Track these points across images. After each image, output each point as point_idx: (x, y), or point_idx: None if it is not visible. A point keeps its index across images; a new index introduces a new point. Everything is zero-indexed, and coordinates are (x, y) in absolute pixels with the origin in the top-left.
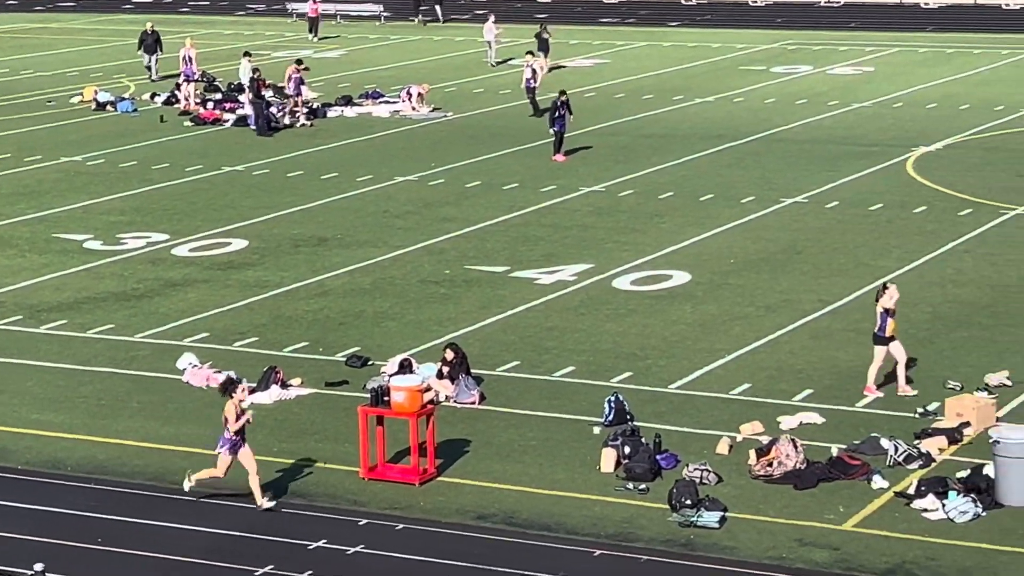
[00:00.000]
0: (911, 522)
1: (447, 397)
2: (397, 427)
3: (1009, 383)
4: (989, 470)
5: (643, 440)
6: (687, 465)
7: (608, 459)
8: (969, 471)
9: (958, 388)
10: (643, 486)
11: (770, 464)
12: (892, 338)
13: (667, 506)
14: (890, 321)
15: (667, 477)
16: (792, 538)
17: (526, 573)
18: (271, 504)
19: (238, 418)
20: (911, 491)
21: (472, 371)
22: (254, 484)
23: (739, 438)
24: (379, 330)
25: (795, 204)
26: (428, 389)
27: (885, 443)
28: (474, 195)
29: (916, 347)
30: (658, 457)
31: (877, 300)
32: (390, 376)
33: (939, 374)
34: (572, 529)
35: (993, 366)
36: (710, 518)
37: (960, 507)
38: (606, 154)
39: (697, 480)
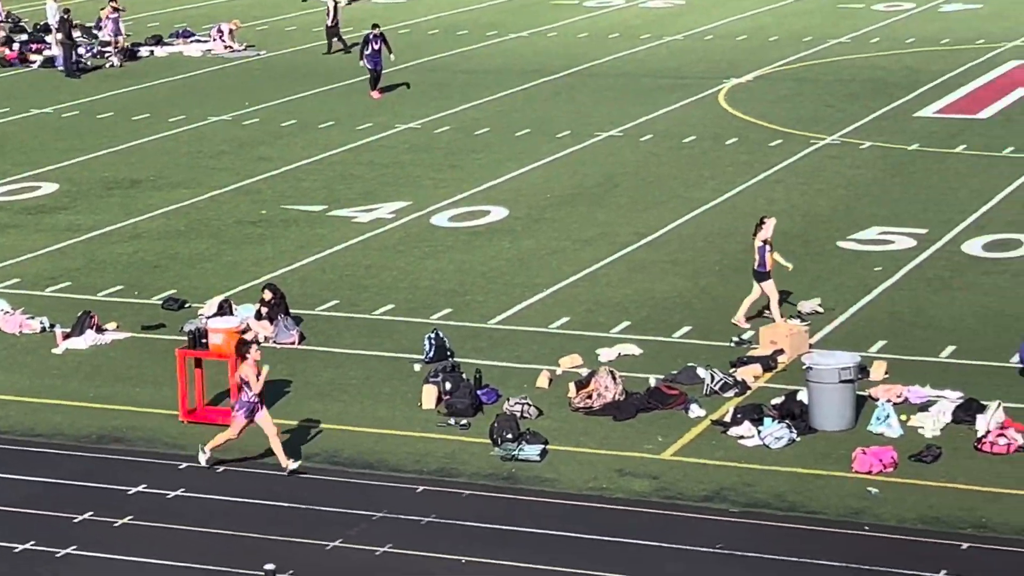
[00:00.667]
0: (728, 449)
1: (266, 338)
2: (216, 369)
3: (821, 310)
4: (803, 396)
5: (463, 376)
6: (508, 399)
7: (429, 396)
8: (783, 398)
9: (772, 317)
10: (464, 421)
11: (589, 396)
12: (770, 273)
13: (488, 441)
14: (769, 255)
15: (488, 412)
16: (612, 469)
17: (349, 511)
18: (296, 466)
19: (258, 379)
20: (727, 419)
21: (291, 311)
22: (276, 447)
23: (559, 371)
24: (195, 272)
25: (610, 138)
26: (247, 330)
27: (701, 372)
28: (289, 134)
29: (730, 276)
30: (479, 392)
31: (755, 234)
32: (208, 318)
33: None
34: (395, 466)
35: (805, 294)
36: (531, 451)
37: (775, 433)
38: (422, 91)
39: (518, 414)
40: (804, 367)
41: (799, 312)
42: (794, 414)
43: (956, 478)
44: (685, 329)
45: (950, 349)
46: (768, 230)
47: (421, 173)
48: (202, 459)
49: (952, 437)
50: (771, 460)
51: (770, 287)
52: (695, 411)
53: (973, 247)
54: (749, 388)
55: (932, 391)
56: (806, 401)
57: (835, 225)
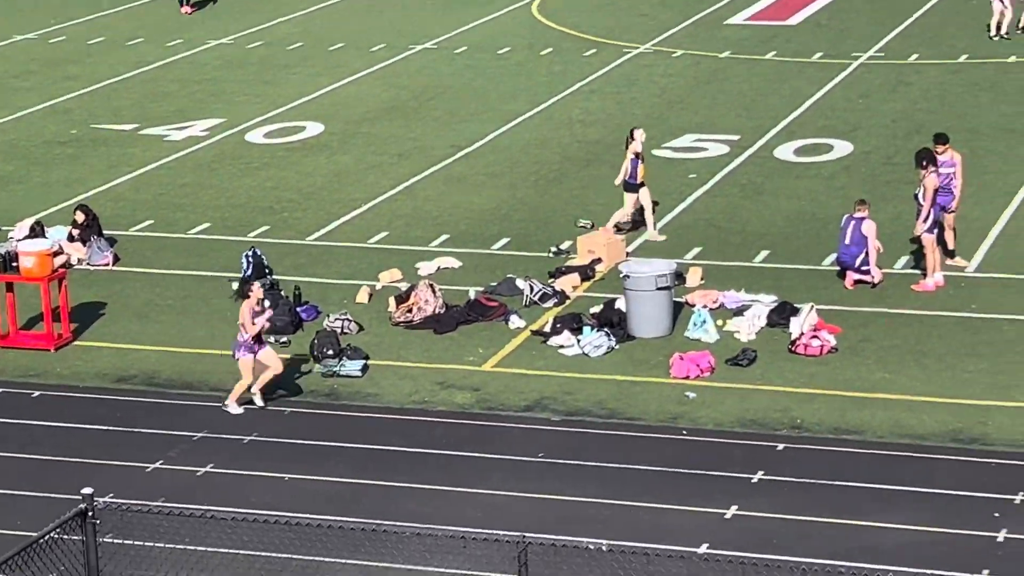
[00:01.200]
0: (548, 359)
1: (79, 260)
2: (28, 293)
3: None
4: (620, 304)
5: (283, 293)
6: (328, 316)
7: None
8: (601, 306)
9: (589, 226)
10: (284, 339)
11: (410, 310)
12: (643, 184)
13: (309, 357)
14: (641, 166)
15: (308, 329)
16: (434, 382)
17: (170, 432)
18: (237, 411)
19: (255, 321)
20: (547, 329)
21: (104, 232)
22: (259, 383)
23: (378, 286)
24: (4, 194)
25: (425, 51)
26: (59, 252)
27: (520, 283)
28: (98, 52)
29: (547, 187)
30: (298, 309)
31: (627, 147)
32: (18, 241)
33: (570, 213)
34: (215, 386)
35: (621, 203)
36: (352, 367)
37: (594, 342)
38: (232, 4)
39: (338, 330)
40: (621, 275)
41: (615, 223)
42: (612, 322)
43: (771, 380)
44: (503, 241)
45: (764, 254)
46: (638, 142)
47: (235, 89)
48: (233, 410)
49: (767, 340)
50: (591, 368)
51: (645, 196)
52: (515, 322)
53: (785, 152)
54: (568, 298)
55: (747, 296)
56: (624, 309)
57: (650, 133)
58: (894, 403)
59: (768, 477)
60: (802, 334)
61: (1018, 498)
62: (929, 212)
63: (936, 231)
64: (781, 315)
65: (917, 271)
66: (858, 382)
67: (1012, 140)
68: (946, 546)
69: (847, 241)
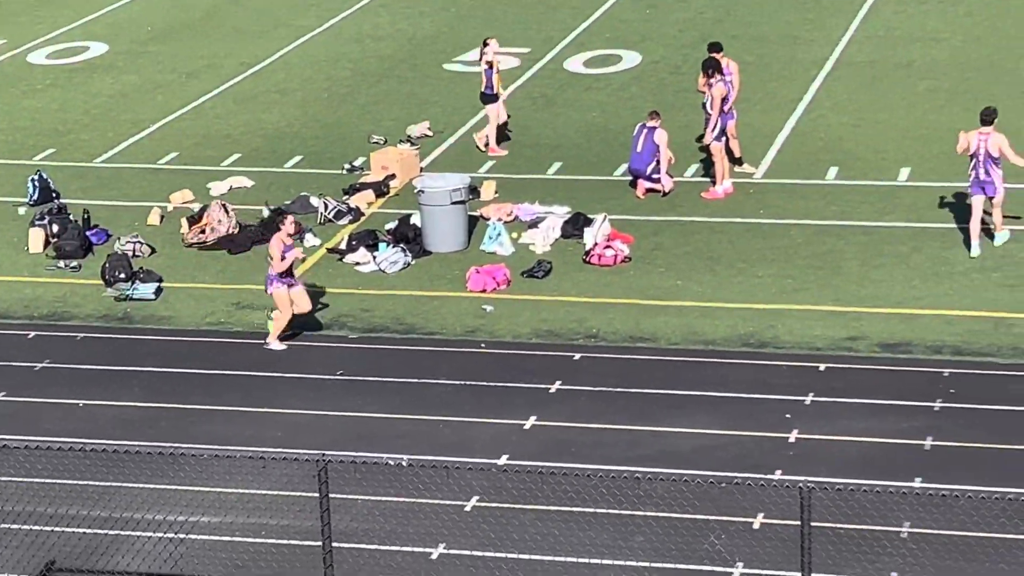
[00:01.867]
0: (345, 276)
1: None
2: None
3: (431, 133)
4: (416, 219)
5: (71, 217)
6: (119, 239)
7: (36, 239)
8: (397, 222)
9: (381, 142)
10: (75, 263)
11: (203, 231)
12: (499, 95)
13: (101, 282)
14: (496, 76)
15: (99, 252)
16: (229, 303)
17: None
18: (280, 348)
19: (283, 256)
20: (343, 246)
21: None
22: (279, 323)
23: (170, 208)
24: None
25: None
26: None
27: (315, 201)
28: None
29: (339, 104)
30: (88, 233)
31: (481, 58)
32: None
33: (363, 129)
34: (4, 313)
35: (414, 118)
36: (145, 290)
37: (390, 258)
38: None
39: (130, 253)
40: (416, 191)
41: (409, 136)
42: (408, 238)
43: (567, 291)
44: (296, 159)
45: (557, 166)
46: (491, 52)
47: (16, 9)
48: (276, 347)
49: (562, 251)
50: (388, 284)
51: (497, 110)
52: (310, 240)
53: (575, 64)
54: (363, 214)
55: (541, 207)
56: (419, 224)
57: (440, 48)
58: (686, 310)
59: (565, 387)
60: (596, 244)
61: (808, 399)
62: (717, 121)
63: (724, 139)
64: (575, 226)
65: (707, 179)
66: (651, 290)
67: (796, 47)
68: (740, 448)
69: (639, 150)
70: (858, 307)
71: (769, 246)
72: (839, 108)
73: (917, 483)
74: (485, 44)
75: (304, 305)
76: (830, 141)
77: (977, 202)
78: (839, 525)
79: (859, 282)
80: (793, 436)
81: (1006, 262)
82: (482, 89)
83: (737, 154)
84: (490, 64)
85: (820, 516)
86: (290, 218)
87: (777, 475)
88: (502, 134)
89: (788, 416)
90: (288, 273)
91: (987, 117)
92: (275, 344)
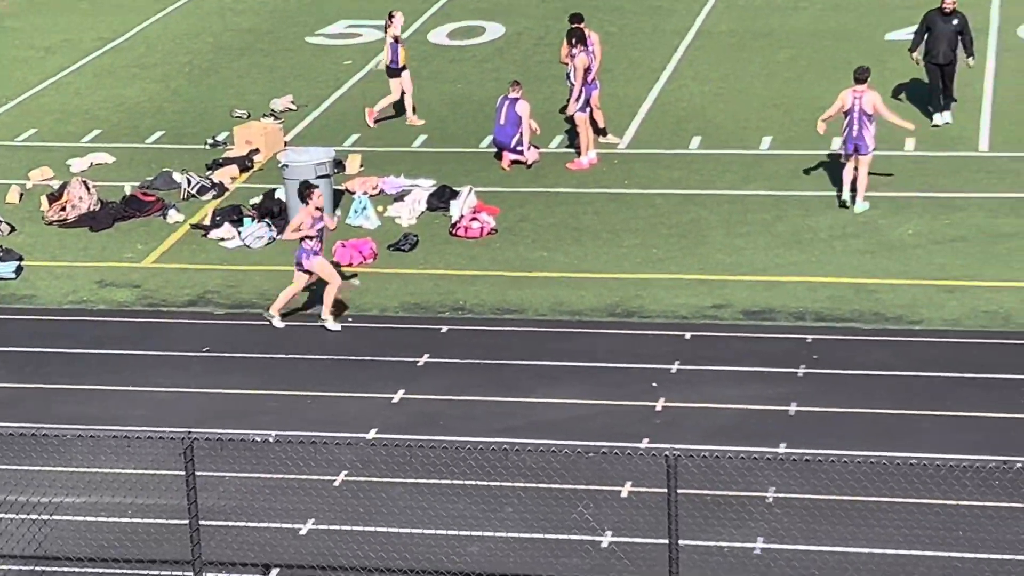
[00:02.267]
0: (209, 252)
1: None
2: None
3: (294, 107)
4: (281, 194)
5: None
6: None
7: None
8: (262, 197)
9: (245, 116)
10: None
11: (63, 208)
12: (405, 67)
13: None
14: (402, 49)
15: None
16: (93, 280)
17: None
18: (336, 328)
19: (313, 226)
20: (207, 222)
21: None
22: (329, 297)
23: (29, 185)
24: None
25: None
26: None
27: (178, 177)
28: None
29: (201, 78)
30: None
31: (386, 31)
32: None
33: (225, 103)
34: None
35: (277, 91)
36: (5, 269)
37: (256, 233)
38: None
39: None
40: (280, 165)
41: (272, 110)
42: (273, 212)
43: (434, 264)
44: (158, 134)
45: (422, 138)
46: (397, 26)
47: None
48: (277, 323)
49: (428, 224)
50: (253, 260)
51: (402, 82)
52: (174, 216)
53: (438, 36)
54: (227, 189)
55: (406, 180)
56: (284, 199)
57: (302, 20)
58: (553, 280)
59: (433, 360)
60: (462, 217)
61: (674, 367)
62: (581, 91)
63: (589, 110)
64: (440, 199)
65: (572, 150)
66: (518, 261)
67: (658, 17)
68: (608, 417)
69: (502, 122)
70: (722, 275)
71: (634, 216)
72: (701, 78)
73: (782, 448)
74: (390, 17)
75: (332, 276)
76: (693, 111)
77: (851, 159)
78: (706, 492)
79: (723, 250)
80: (660, 404)
81: (867, 229)
82: (387, 63)
83: (601, 124)
84: (396, 38)
85: (687, 483)
86: (318, 190)
87: (644, 443)
88: (399, 107)
89: (655, 385)
90: (316, 244)
91: (861, 76)
92: (277, 322)
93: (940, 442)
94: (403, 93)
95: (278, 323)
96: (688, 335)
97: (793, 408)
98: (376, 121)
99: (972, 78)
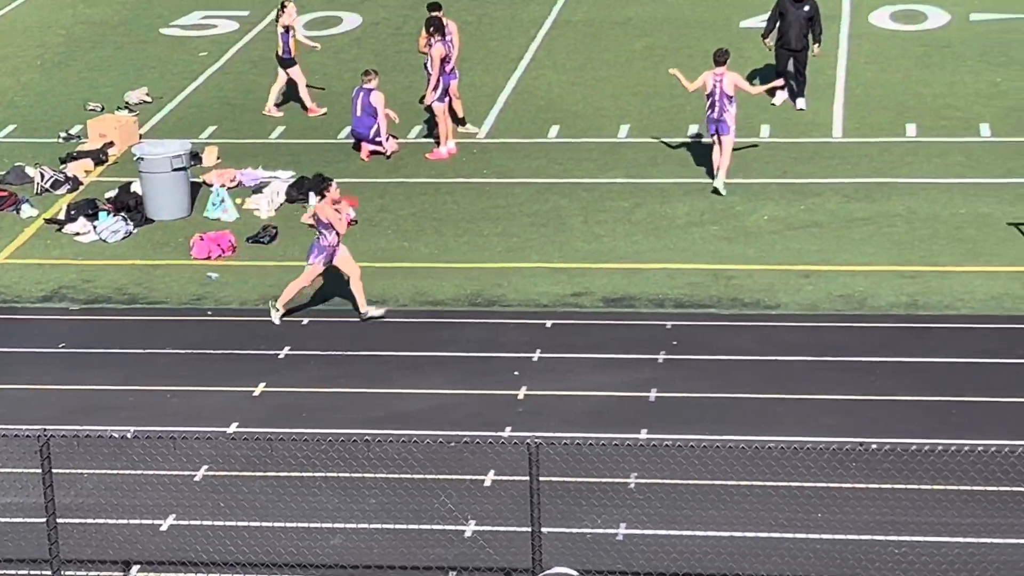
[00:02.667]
0: (64, 247)
1: None
2: None
3: (149, 99)
4: (137, 187)
5: None
6: None
7: None
8: (117, 190)
9: (99, 109)
10: None
11: None
12: (294, 59)
13: None
14: (293, 40)
15: None
16: None
17: None
18: (380, 312)
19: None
20: (61, 216)
21: None
22: (358, 290)
23: None
24: None
25: None
26: None
27: (31, 171)
28: None
29: (53, 71)
30: None
31: (277, 20)
32: None
33: (79, 96)
34: None
35: (132, 84)
36: None
37: (111, 227)
38: None
39: None
40: (135, 158)
41: (127, 103)
42: (129, 206)
43: (294, 256)
44: (10, 128)
45: (279, 130)
46: (288, 16)
47: None
48: (275, 318)
49: (287, 216)
50: (109, 254)
51: (296, 72)
52: (27, 211)
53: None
54: (81, 183)
55: (265, 172)
56: (140, 192)
57: (157, 12)
58: (414, 271)
59: (295, 352)
60: None
61: (536, 356)
62: (439, 80)
63: (447, 99)
64: (299, 190)
65: (430, 140)
66: (378, 252)
67: (515, 6)
68: (471, 407)
69: (358, 113)
70: (582, 263)
71: (494, 205)
72: (559, 67)
73: (643, 434)
74: (283, 7)
75: (352, 270)
76: (551, 100)
77: (715, 140)
78: (568, 479)
79: (583, 238)
80: (522, 393)
81: (724, 215)
82: (278, 53)
83: (460, 114)
84: (287, 28)
85: (549, 471)
86: (334, 183)
87: (507, 432)
88: (289, 96)
89: (517, 373)
90: (333, 239)
91: (720, 58)
92: (276, 316)
93: (797, 425)
94: (289, 82)
95: (276, 318)
96: (549, 323)
97: (654, 394)
98: (311, 107)
99: (825, 65)
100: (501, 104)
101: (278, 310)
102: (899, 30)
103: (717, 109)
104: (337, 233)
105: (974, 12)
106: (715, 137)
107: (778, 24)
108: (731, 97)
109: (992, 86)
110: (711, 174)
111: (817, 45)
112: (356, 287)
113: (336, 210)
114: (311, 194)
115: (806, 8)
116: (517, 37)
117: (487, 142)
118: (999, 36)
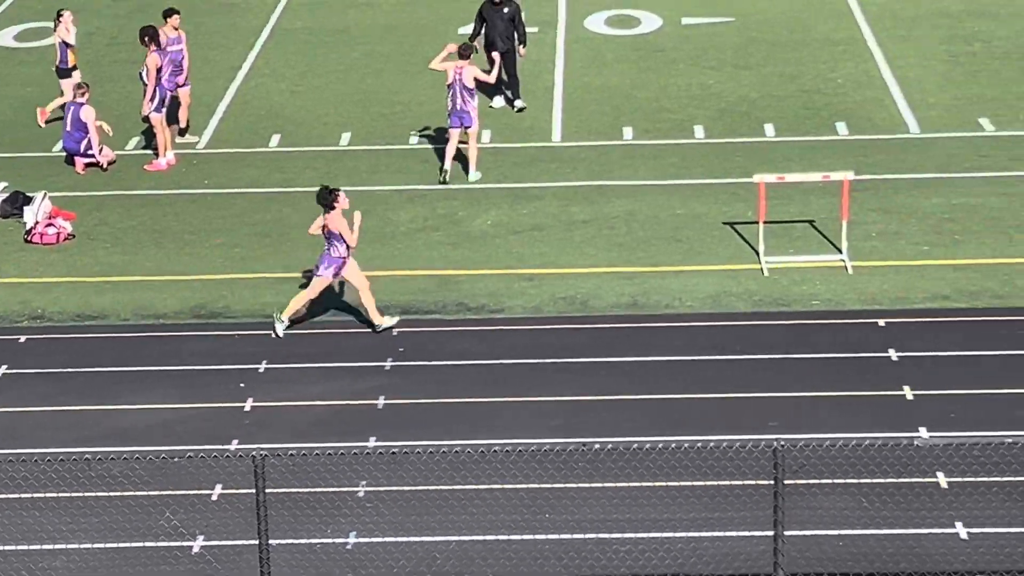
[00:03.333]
0: None
1: None
2: None
3: None
4: None
5: None
6: None
7: None
8: None
9: None
10: None
11: None
12: (76, 66)
13: None
14: (70, 52)
15: None
16: None
17: None
18: (393, 322)
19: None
20: None
21: None
22: (368, 302)
23: None
24: None
25: None
26: None
27: None
28: None
29: None
30: None
31: (55, 29)
32: None
33: None
34: None
35: None
36: None
37: None
38: None
39: None
40: None
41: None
42: None
43: (9, 273)
44: None
45: None
46: (63, 26)
47: None
48: (279, 329)
49: (1, 232)
50: None
51: (69, 85)
52: None
53: (5, 38)
54: None
55: None
56: None
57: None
58: (135, 285)
59: (12, 371)
60: (37, 223)
61: (262, 367)
62: (155, 91)
63: (165, 109)
64: (14, 205)
65: (149, 151)
66: (97, 267)
67: (233, 15)
68: (198, 421)
69: (68, 128)
70: (307, 272)
71: (216, 216)
72: (278, 75)
73: (372, 442)
74: (59, 17)
75: (361, 282)
76: (271, 108)
77: (454, 134)
78: (296, 490)
79: (307, 248)
80: (249, 405)
81: (447, 221)
82: (56, 64)
83: (183, 124)
84: (65, 43)
85: (276, 483)
86: (343, 193)
87: (234, 445)
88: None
89: (243, 385)
90: (344, 250)
91: (463, 52)
92: (280, 327)
93: (523, 427)
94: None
95: (280, 330)
96: (274, 334)
97: (382, 401)
98: (47, 121)
99: (543, 70)
100: (220, 113)
101: (283, 322)
102: (614, 35)
103: (460, 101)
104: (347, 245)
105: (685, 16)
106: (455, 131)
107: (483, 29)
108: (471, 90)
109: (704, 88)
110: (441, 171)
111: (522, 47)
112: (366, 299)
113: (349, 222)
114: (26, 209)
115: (506, 10)
116: (235, 46)
117: (207, 152)
118: (710, 39)
